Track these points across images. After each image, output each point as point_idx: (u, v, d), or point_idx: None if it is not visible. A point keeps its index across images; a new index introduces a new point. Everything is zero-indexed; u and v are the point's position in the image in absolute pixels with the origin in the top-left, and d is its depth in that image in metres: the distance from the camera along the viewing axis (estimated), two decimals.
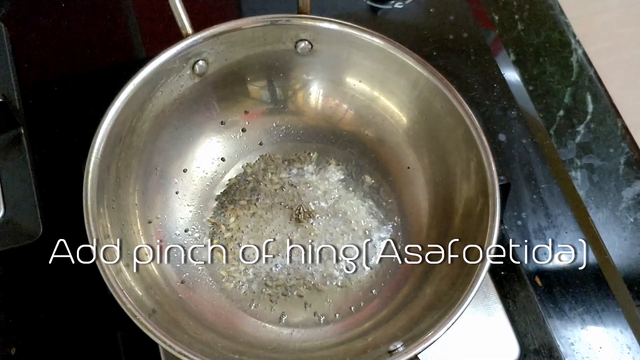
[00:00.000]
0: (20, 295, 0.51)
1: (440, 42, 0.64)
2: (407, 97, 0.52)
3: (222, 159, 0.55)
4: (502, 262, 0.53)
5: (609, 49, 1.27)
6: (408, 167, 0.54)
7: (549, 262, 0.54)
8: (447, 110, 0.48)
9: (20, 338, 0.50)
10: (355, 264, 0.51)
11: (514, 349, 0.50)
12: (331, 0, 0.66)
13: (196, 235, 0.52)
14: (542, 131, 0.60)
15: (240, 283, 0.50)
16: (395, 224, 0.53)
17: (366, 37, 0.49)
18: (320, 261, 0.51)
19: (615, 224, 0.57)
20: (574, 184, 0.58)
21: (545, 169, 0.58)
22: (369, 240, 0.52)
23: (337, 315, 0.50)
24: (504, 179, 0.52)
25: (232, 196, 0.54)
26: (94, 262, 0.40)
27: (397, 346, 0.41)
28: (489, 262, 0.42)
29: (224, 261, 0.51)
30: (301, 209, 0.52)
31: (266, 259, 0.51)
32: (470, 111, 0.47)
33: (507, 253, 0.54)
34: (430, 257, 0.50)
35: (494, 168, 0.45)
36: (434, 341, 0.40)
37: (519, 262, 0.54)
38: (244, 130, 0.55)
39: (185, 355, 0.38)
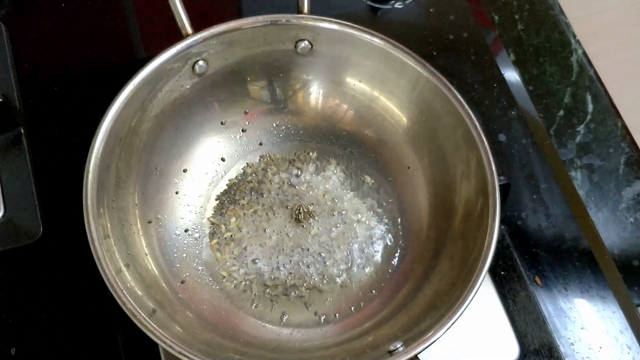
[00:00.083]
0: (20, 295, 0.51)
1: (440, 42, 0.64)
2: (407, 97, 0.52)
3: (222, 159, 0.55)
4: (502, 262, 0.53)
5: (609, 49, 1.28)
6: (408, 167, 0.54)
7: (549, 262, 0.54)
8: (447, 110, 0.48)
9: (20, 338, 0.50)
10: (355, 264, 0.51)
11: (514, 349, 0.50)
12: (331, 0, 0.66)
13: (196, 235, 0.52)
14: (542, 131, 0.60)
15: (241, 283, 0.50)
16: (395, 224, 0.53)
17: (366, 37, 0.49)
18: (320, 261, 0.51)
19: (615, 224, 0.57)
20: (574, 184, 0.58)
21: (545, 169, 0.58)
22: (368, 240, 0.52)
23: (337, 315, 0.50)
24: (504, 179, 0.52)
25: (232, 196, 0.54)
26: (94, 262, 0.40)
27: (397, 346, 0.41)
28: (489, 262, 0.42)
29: (224, 261, 0.51)
30: (301, 209, 0.52)
31: (266, 259, 0.51)
32: (470, 111, 0.47)
33: (507, 253, 0.54)
34: (431, 257, 0.50)
35: (494, 168, 0.45)
36: (434, 341, 0.40)
37: (518, 262, 0.54)
38: (244, 130, 0.55)
39: (185, 355, 0.38)
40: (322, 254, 0.51)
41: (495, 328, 0.51)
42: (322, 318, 0.49)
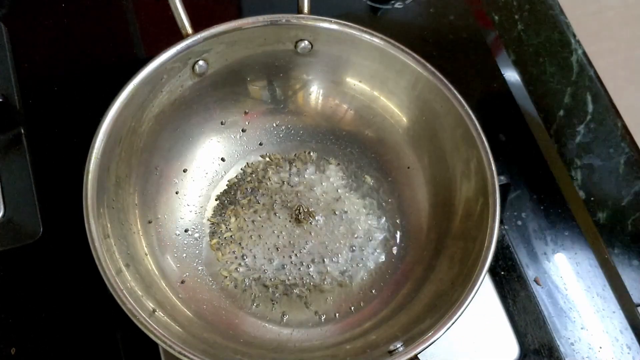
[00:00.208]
0: (20, 295, 0.51)
1: (440, 42, 0.64)
2: (407, 97, 0.52)
3: (222, 159, 0.55)
4: (502, 262, 0.53)
5: (609, 49, 1.28)
6: (408, 167, 0.54)
7: (549, 262, 0.54)
8: (447, 110, 0.48)
9: (20, 338, 0.50)
10: (355, 264, 0.51)
11: (514, 349, 0.50)
12: (331, 0, 0.66)
13: (196, 235, 0.52)
14: (542, 131, 0.60)
15: (241, 283, 0.50)
16: (395, 224, 0.53)
17: (366, 37, 0.49)
18: (320, 261, 0.51)
19: (615, 224, 0.57)
20: (573, 184, 0.58)
21: (545, 169, 0.58)
22: (369, 240, 0.52)
23: (337, 315, 0.50)
24: (504, 179, 0.52)
25: (232, 196, 0.54)
26: (94, 262, 0.40)
27: (397, 346, 0.41)
28: (489, 262, 0.42)
29: (224, 261, 0.51)
30: (301, 208, 0.52)
31: (266, 258, 0.51)
32: (470, 111, 0.47)
33: (507, 253, 0.54)
34: (431, 257, 0.50)
35: (494, 168, 0.45)
36: (434, 341, 0.40)
37: (518, 262, 0.54)
38: (244, 130, 0.55)
39: (185, 355, 0.39)
40: (322, 254, 0.51)
41: (495, 328, 0.51)
42: (322, 318, 0.49)
